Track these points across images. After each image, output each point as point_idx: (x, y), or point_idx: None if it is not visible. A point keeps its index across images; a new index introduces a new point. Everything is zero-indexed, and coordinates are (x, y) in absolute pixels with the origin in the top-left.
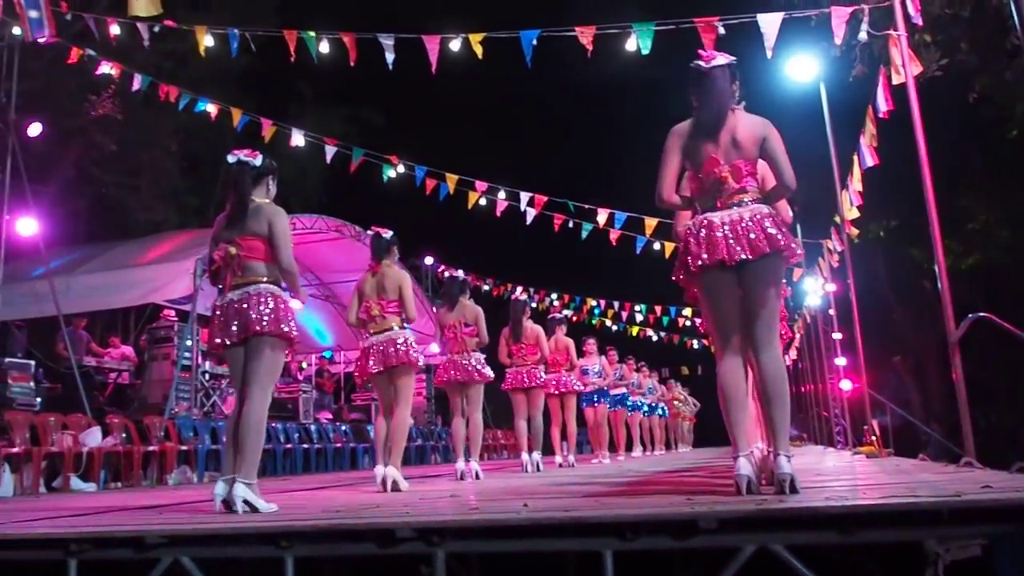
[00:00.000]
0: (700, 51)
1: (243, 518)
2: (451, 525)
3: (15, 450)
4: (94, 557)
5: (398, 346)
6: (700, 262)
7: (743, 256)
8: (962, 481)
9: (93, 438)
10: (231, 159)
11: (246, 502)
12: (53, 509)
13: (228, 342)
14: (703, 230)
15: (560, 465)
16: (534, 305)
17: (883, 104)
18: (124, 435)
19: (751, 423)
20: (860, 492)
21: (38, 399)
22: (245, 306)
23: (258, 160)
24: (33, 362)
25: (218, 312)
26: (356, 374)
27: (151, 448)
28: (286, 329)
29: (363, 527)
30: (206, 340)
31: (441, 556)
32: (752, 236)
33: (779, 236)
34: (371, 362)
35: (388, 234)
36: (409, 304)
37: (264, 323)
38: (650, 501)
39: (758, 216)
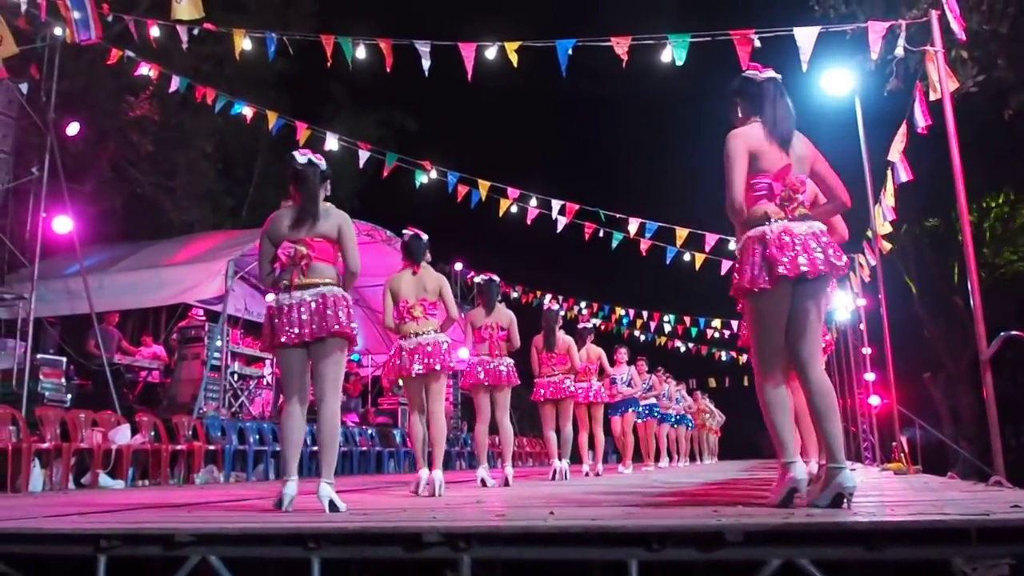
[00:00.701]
0: (751, 63)
1: (271, 518)
2: (478, 531)
3: (45, 446)
4: (123, 554)
5: (442, 351)
6: (785, 270)
7: (823, 270)
8: (991, 500)
9: (122, 436)
10: (301, 159)
11: (332, 502)
12: (82, 505)
13: (298, 341)
14: (786, 238)
15: (587, 474)
16: (563, 313)
17: (921, 119)
18: (153, 433)
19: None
20: (888, 508)
21: (69, 395)
22: (324, 307)
23: (323, 164)
24: (65, 359)
25: (285, 310)
26: (386, 375)
27: (179, 447)
28: (355, 331)
29: (391, 530)
30: (265, 340)
31: (467, 561)
32: (830, 252)
33: (842, 255)
34: (412, 364)
35: (425, 236)
36: (451, 305)
37: (341, 325)
38: (677, 512)
39: (823, 232)
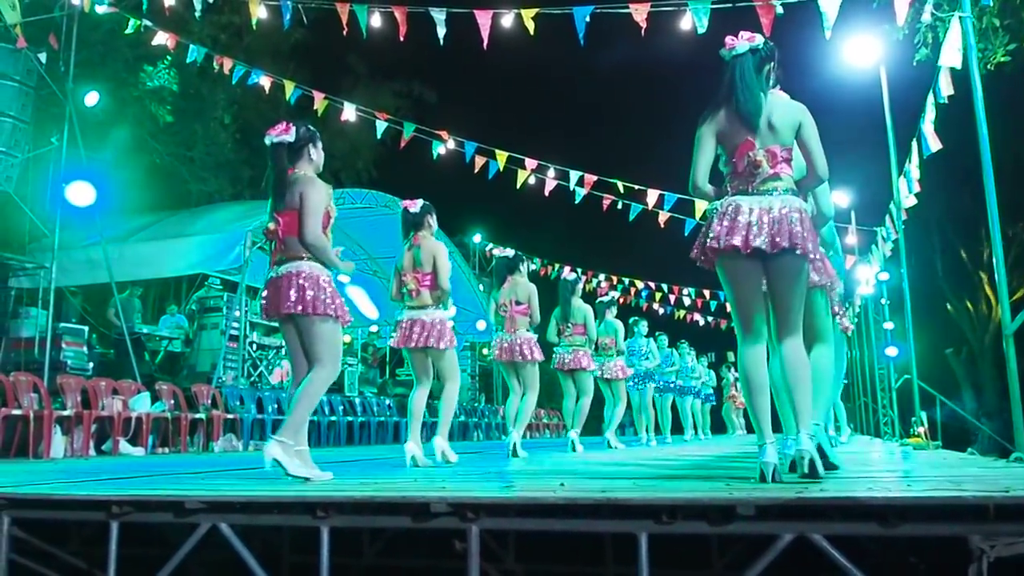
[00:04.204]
0: (727, 37)
1: (283, 487)
2: (486, 502)
3: (66, 413)
4: (136, 520)
5: (433, 328)
6: (716, 243)
7: (760, 246)
8: (1010, 477)
9: (142, 404)
10: (267, 140)
11: (276, 461)
12: (99, 471)
13: (267, 318)
14: (729, 211)
15: (610, 446)
16: (580, 285)
17: (944, 89)
18: (172, 402)
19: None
20: (905, 484)
21: (90, 364)
22: (284, 285)
23: (291, 135)
24: (86, 328)
25: (264, 290)
26: (392, 344)
27: (198, 416)
28: (321, 310)
29: (399, 500)
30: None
31: (475, 532)
32: (775, 229)
33: (801, 235)
34: (403, 337)
35: (416, 207)
36: (443, 273)
37: (292, 304)
38: (689, 485)
39: (787, 209)
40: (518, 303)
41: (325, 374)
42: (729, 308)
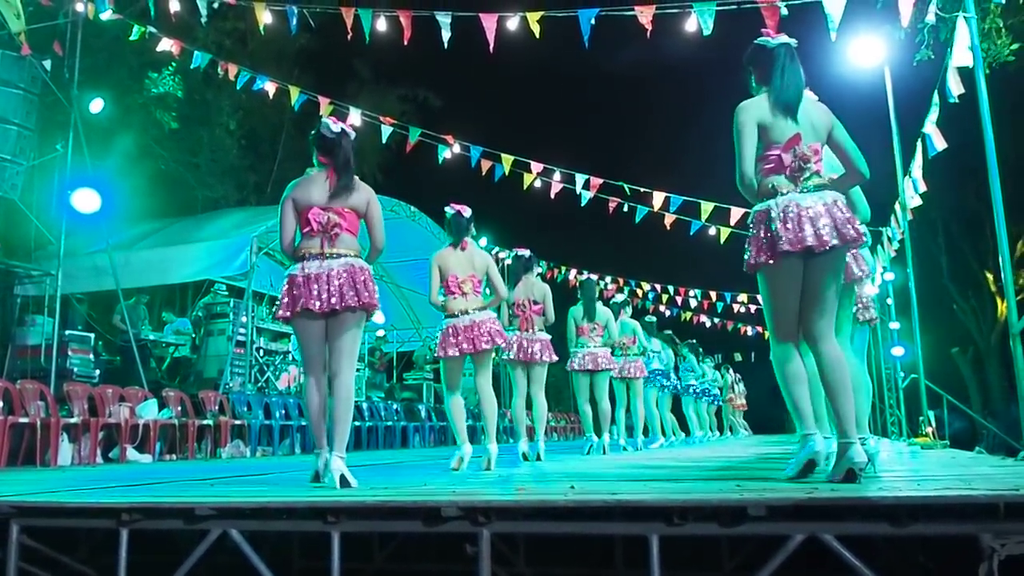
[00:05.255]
0: (764, 29)
1: (293, 492)
2: (497, 505)
3: (73, 421)
4: (145, 527)
5: (491, 330)
6: (789, 246)
7: (833, 242)
8: (1020, 475)
9: (149, 411)
10: (335, 128)
11: (343, 477)
12: (107, 479)
13: (327, 310)
14: (791, 211)
15: (625, 449)
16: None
17: (954, 88)
18: (179, 408)
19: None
20: (914, 483)
21: (97, 371)
22: (353, 279)
23: (353, 133)
24: (93, 335)
25: (312, 278)
26: (439, 353)
27: (206, 422)
28: (376, 307)
29: (409, 505)
30: (285, 307)
31: (486, 536)
32: (838, 224)
33: (855, 228)
34: (457, 342)
35: (468, 211)
36: (500, 283)
37: (370, 296)
38: (699, 487)
39: (839, 202)
40: (535, 302)
41: (352, 375)
42: (767, 309)
